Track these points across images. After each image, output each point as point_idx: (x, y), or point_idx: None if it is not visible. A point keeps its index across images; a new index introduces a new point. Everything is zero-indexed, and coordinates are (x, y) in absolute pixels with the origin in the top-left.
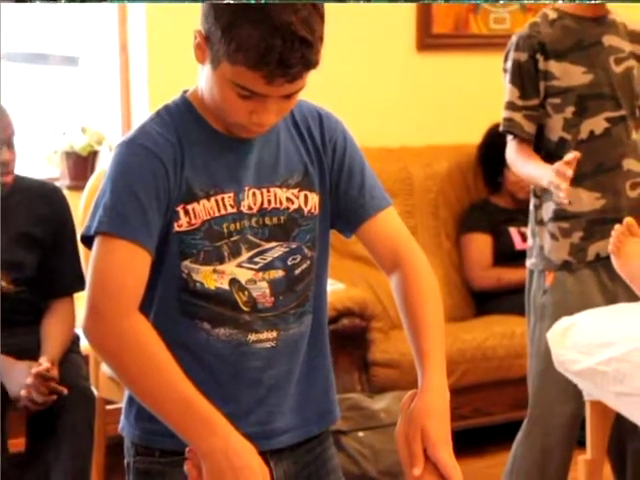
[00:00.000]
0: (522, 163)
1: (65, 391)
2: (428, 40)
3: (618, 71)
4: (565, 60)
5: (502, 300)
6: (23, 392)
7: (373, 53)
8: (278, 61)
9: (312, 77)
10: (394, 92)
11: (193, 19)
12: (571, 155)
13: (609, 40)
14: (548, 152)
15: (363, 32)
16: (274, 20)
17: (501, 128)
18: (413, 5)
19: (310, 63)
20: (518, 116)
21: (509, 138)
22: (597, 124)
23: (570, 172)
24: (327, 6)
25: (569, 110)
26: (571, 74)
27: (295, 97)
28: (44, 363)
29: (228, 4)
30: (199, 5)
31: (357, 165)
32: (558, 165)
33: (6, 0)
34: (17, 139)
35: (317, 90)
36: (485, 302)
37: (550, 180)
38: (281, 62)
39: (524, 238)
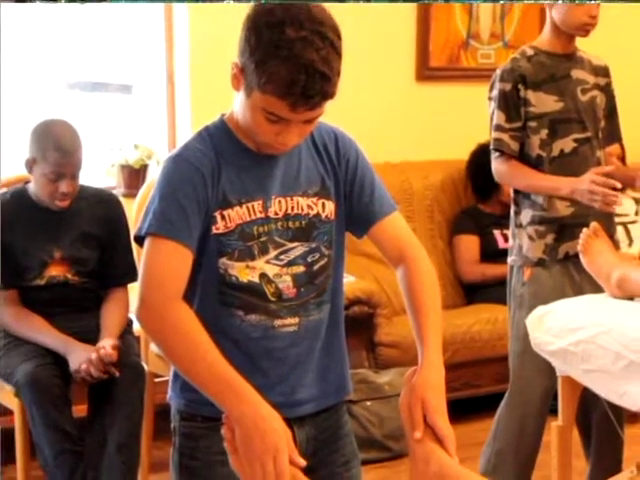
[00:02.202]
0: (528, 176)
1: (117, 373)
2: (425, 72)
3: (584, 100)
4: (540, 90)
5: (487, 291)
6: (83, 366)
7: (380, 83)
8: (301, 92)
9: (330, 103)
10: (397, 115)
11: (231, 53)
12: (601, 168)
13: (577, 74)
14: (528, 167)
15: (372, 66)
16: (299, 58)
17: (491, 146)
18: (414, 42)
19: (328, 94)
20: (505, 136)
21: (495, 155)
22: (567, 144)
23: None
24: (345, 44)
25: (544, 132)
26: (545, 102)
27: (315, 122)
28: (108, 347)
29: (261, 42)
30: (236, 41)
31: (367, 177)
32: (597, 178)
33: (6, 0)
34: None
35: (334, 114)
36: (473, 293)
37: (583, 189)
38: (304, 93)
39: (506, 239)
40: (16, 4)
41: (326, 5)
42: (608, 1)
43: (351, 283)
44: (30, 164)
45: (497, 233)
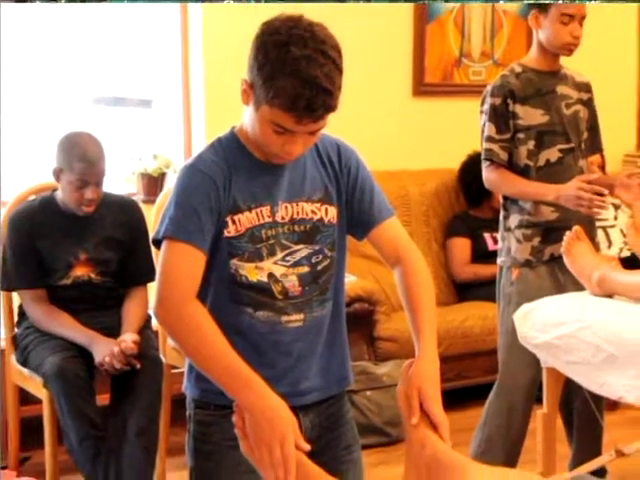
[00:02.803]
0: (515, 183)
1: (138, 365)
2: (421, 88)
3: (568, 113)
4: (527, 104)
5: (478, 290)
6: (107, 359)
7: (379, 97)
8: (306, 106)
9: (332, 116)
10: (395, 127)
11: (242, 70)
12: (587, 176)
13: (561, 89)
14: (516, 174)
15: (372, 81)
16: (303, 74)
17: (482, 156)
18: (410, 60)
19: (331, 108)
20: (495, 147)
21: (486, 164)
22: (552, 154)
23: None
24: (345, 61)
25: (531, 143)
26: (532, 115)
27: (318, 133)
28: (129, 341)
29: (269, 59)
30: (246, 59)
31: (367, 184)
32: (584, 185)
33: (6, 0)
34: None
35: (336, 125)
36: (465, 291)
37: (569, 195)
38: (308, 107)
39: (495, 241)
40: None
41: (328, 26)
42: (609, 1)
43: (352, 282)
44: (57, 173)
45: (487, 236)
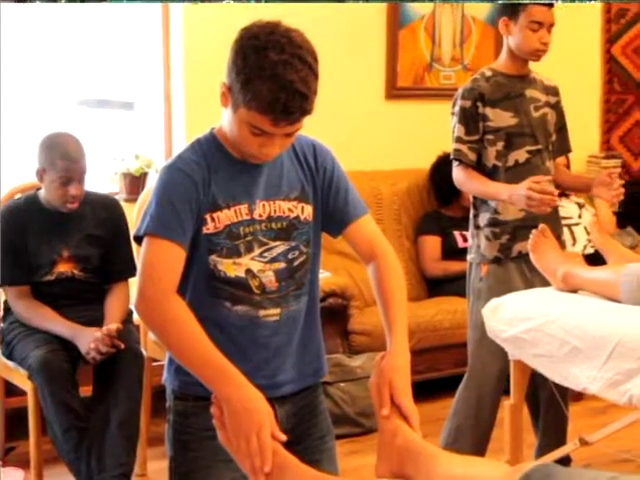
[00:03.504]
0: (474, 182)
1: (122, 345)
2: (394, 92)
3: (536, 116)
4: (497, 107)
5: (448, 285)
6: (92, 345)
7: (353, 101)
8: (282, 109)
9: (309, 118)
10: (368, 129)
11: (221, 74)
12: (540, 177)
13: (530, 93)
14: (484, 175)
15: (346, 85)
16: (281, 78)
17: (451, 156)
18: (383, 64)
19: (306, 111)
20: (464, 148)
21: (455, 164)
22: (520, 155)
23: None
24: (321, 65)
25: (500, 144)
26: (501, 117)
27: (294, 135)
28: (114, 325)
29: (247, 63)
30: (225, 62)
31: (342, 183)
32: (534, 185)
33: (6, 0)
34: (87, 176)
35: (313, 127)
36: (435, 287)
37: (519, 194)
38: (284, 110)
39: (465, 239)
40: (19, 7)
41: (305, 32)
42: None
43: (327, 278)
44: (40, 173)
45: (457, 234)
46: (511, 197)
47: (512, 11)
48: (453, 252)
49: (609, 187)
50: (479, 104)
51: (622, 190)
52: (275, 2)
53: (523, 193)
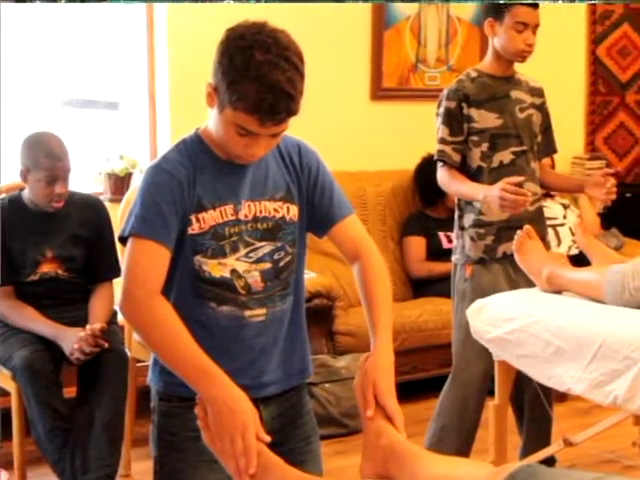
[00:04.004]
0: (455, 183)
1: (106, 344)
2: (379, 92)
3: (521, 117)
4: (482, 108)
5: (433, 286)
6: (76, 345)
7: (339, 101)
8: (268, 110)
9: (295, 118)
10: (354, 130)
11: (206, 74)
12: (514, 178)
13: (515, 94)
14: (469, 176)
15: (332, 86)
16: (267, 79)
17: (435, 157)
18: (369, 65)
19: (292, 111)
20: (448, 149)
21: (439, 165)
22: (505, 156)
23: (523, 190)
24: (307, 66)
25: (485, 145)
26: (486, 118)
27: (280, 136)
28: (98, 325)
29: (233, 64)
30: (211, 63)
31: (327, 183)
32: (506, 186)
33: (6, 0)
34: (71, 176)
35: (298, 128)
36: (420, 288)
37: (493, 195)
38: (271, 110)
39: (450, 240)
40: (5, 8)
41: (291, 33)
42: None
43: (312, 278)
44: (24, 174)
45: (441, 235)
46: (486, 198)
47: (497, 12)
48: (438, 253)
49: (601, 187)
50: (464, 105)
51: (615, 190)
52: (275, 2)
53: (496, 194)
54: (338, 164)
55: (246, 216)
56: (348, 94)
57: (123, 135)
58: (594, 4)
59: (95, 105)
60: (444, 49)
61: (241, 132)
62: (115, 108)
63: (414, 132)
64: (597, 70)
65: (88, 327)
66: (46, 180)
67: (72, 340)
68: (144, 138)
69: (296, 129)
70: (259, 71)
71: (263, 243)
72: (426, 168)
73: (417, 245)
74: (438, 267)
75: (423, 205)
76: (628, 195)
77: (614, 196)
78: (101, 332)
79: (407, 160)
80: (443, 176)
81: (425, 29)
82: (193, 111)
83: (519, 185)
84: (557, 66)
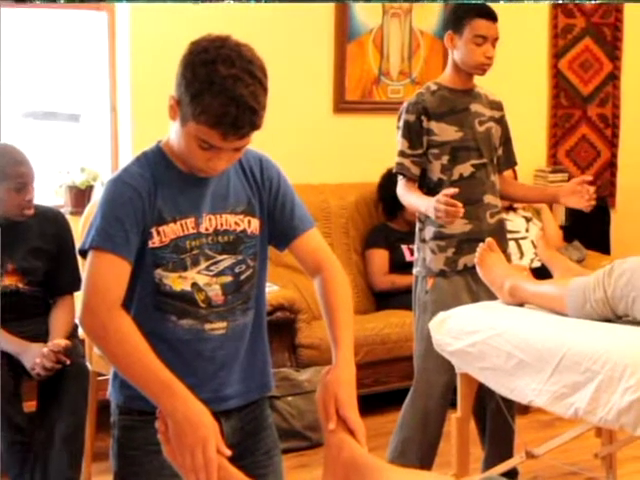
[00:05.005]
0: (408, 195)
1: (68, 361)
2: (342, 105)
3: (481, 130)
4: (442, 121)
5: (395, 299)
6: (37, 360)
7: (302, 114)
8: (231, 123)
9: (257, 131)
10: (317, 143)
11: (168, 87)
12: (450, 190)
13: (475, 107)
14: (429, 189)
15: (295, 99)
16: (230, 93)
17: (394, 170)
18: (331, 78)
19: (256, 125)
20: (407, 161)
21: (399, 178)
22: (465, 169)
23: (458, 203)
24: (270, 79)
25: (445, 158)
26: (446, 132)
27: (242, 150)
28: (61, 341)
29: (196, 77)
30: (174, 76)
31: (288, 197)
32: (442, 197)
33: (6, 0)
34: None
35: (261, 141)
36: (383, 300)
37: (436, 207)
38: (234, 124)
39: (412, 252)
40: None
41: (253, 46)
42: (608, 1)
43: (275, 292)
44: None
45: (404, 247)
46: (427, 210)
47: (457, 25)
48: (401, 265)
49: (579, 195)
50: (423, 118)
51: (594, 196)
52: (275, 2)
53: (432, 205)
54: (301, 177)
55: (207, 229)
56: (311, 107)
57: (84, 147)
58: (556, 19)
59: (56, 117)
60: (407, 62)
61: (203, 146)
62: (76, 120)
63: (377, 145)
64: (559, 83)
65: (50, 343)
66: (16, 188)
67: (34, 355)
68: (105, 150)
69: (259, 141)
70: (222, 85)
71: (224, 256)
72: (389, 181)
73: (380, 258)
74: (401, 280)
75: (386, 218)
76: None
77: (594, 202)
78: (65, 349)
79: (370, 173)
80: (400, 189)
81: (388, 42)
82: (155, 123)
83: (453, 197)
84: (520, 79)
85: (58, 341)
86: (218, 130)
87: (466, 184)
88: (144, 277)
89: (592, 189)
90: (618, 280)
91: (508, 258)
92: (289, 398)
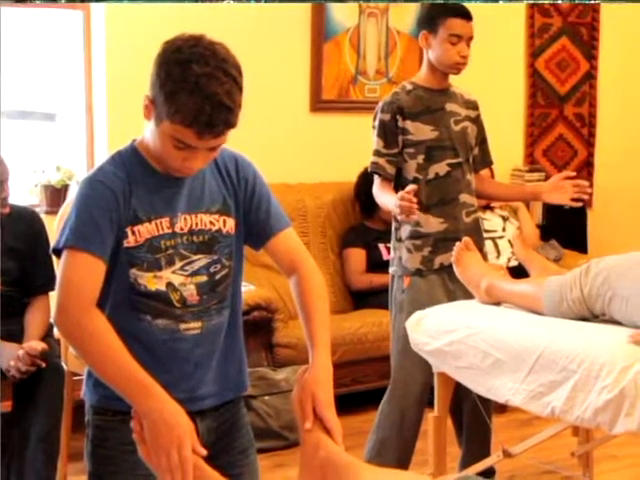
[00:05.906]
0: (382, 195)
1: (43, 364)
2: (318, 104)
3: (456, 129)
4: (417, 120)
5: (372, 298)
6: (12, 362)
7: (278, 113)
8: (207, 122)
9: (233, 129)
10: (293, 142)
11: (144, 86)
12: (410, 187)
13: (450, 106)
14: (405, 188)
15: (271, 98)
16: (205, 91)
17: (369, 169)
18: (308, 77)
19: (231, 124)
20: (382, 161)
21: (375, 177)
22: (441, 168)
23: (413, 198)
24: (246, 78)
25: (420, 157)
26: (422, 131)
27: (218, 149)
28: (38, 345)
29: (170, 76)
30: (148, 74)
31: (264, 196)
32: (402, 194)
33: (6, 0)
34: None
35: (237, 140)
36: (360, 299)
37: (395, 204)
38: (209, 123)
39: (389, 252)
40: None
41: (228, 45)
42: (608, 1)
43: (251, 291)
44: None
45: (382, 246)
46: (394, 207)
47: (431, 25)
48: (378, 265)
49: (562, 191)
50: (398, 117)
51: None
52: (275, 2)
53: (395, 202)
54: (278, 176)
55: (182, 229)
56: (287, 106)
57: (60, 146)
58: (532, 19)
59: (31, 116)
60: (384, 61)
61: (179, 145)
62: (52, 119)
63: (354, 144)
64: (536, 83)
65: (26, 345)
66: None
67: (9, 356)
68: (81, 149)
69: (235, 141)
70: (197, 84)
71: (199, 256)
72: (366, 180)
73: (357, 257)
74: (378, 279)
75: (363, 217)
76: (567, 207)
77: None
78: (41, 352)
79: (347, 172)
80: (375, 188)
81: (364, 41)
82: (131, 122)
83: (430, 195)
84: (496, 79)
85: (35, 344)
86: (193, 129)
87: (442, 183)
88: (119, 277)
89: (585, 182)
90: (595, 279)
91: (484, 257)
92: (266, 397)
